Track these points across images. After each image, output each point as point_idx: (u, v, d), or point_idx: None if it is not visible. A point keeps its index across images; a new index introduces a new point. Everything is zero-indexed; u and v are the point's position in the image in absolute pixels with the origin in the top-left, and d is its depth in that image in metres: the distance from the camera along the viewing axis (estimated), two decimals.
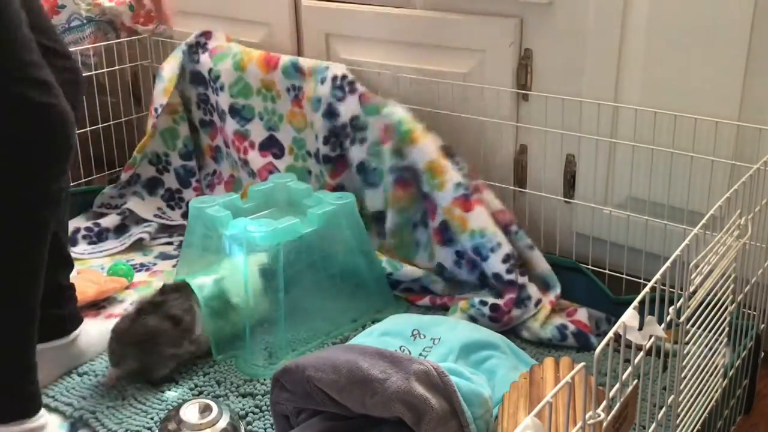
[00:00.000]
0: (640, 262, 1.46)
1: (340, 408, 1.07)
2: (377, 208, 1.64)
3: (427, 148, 1.55)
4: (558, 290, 1.52)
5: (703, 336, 1.01)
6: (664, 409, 0.95)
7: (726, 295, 1.05)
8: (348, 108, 1.64)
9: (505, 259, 1.47)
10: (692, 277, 0.90)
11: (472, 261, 1.51)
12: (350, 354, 1.08)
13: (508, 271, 1.46)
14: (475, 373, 1.19)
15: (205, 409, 1.20)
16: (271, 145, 1.81)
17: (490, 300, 1.46)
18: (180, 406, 1.20)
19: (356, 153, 1.64)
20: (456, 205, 1.50)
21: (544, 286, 1.52)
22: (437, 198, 1.53)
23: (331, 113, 1.66)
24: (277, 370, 1.12)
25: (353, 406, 1.06)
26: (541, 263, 1.53)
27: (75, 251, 1.79)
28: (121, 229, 1.88)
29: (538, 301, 1.48)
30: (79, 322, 1.38)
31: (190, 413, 1.19)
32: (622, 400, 0.79)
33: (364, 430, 1.08)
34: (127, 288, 1.65)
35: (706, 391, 1.07)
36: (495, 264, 1.47)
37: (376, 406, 1.03)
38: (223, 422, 1.19)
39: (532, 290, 1.49)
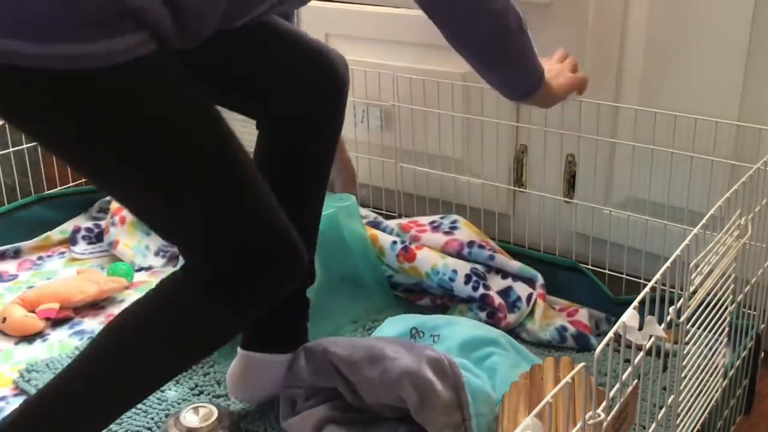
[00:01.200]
0: (640, 262, 1.46)
1: (347, 388, 1.08)
2: None
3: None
4: (541, 280, 1.52)
5: (703, 336, 1.01)
6: (664, 409, 0.95)
7: (726, 295, 1.04)
8: None
9: (467, 280, 1.48)
10: (692, 277, 0.90)
11: (447, 294, 1.53)
12: (369, 339, 1.13)
13: (475, 289, 1.47)
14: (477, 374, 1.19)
15: (205, 414, 1.19)
16: None
17: (487, 307, 1.47)
18: (180, 411, 1.20)
19: None
20: (402, 260, 1.53)
21: (527, 282, 1.52)
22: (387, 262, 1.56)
23: None
24: (297, 350, 1.17)
25: (361, 384, 1.07)
26: (509, 264, 1.54)
27: (75, 251, 1.79)
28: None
29: (529, 297, 1.48)
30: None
31: (190, 418, 1.19)
32: (622, 400, 0.79)
33: (366, 423, 1.08)
34: (126, 288, 1.65)
35: (706, 391, 1.07)
36: (461, 288, 1.48)
37: (383, 383, 1.04)
38: (224, 426, 1.19)
39: (519, 289, 1.50)
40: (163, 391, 1.32)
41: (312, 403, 1.14)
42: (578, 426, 0.72)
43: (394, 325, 1.35)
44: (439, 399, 1.02)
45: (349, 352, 1.09)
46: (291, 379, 1.15)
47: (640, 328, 0.78)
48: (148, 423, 1.25)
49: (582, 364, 0.71)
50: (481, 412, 1.07)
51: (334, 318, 1.49)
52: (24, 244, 1.80)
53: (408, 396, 1.03)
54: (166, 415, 1.26)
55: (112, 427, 1.24)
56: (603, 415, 0.74)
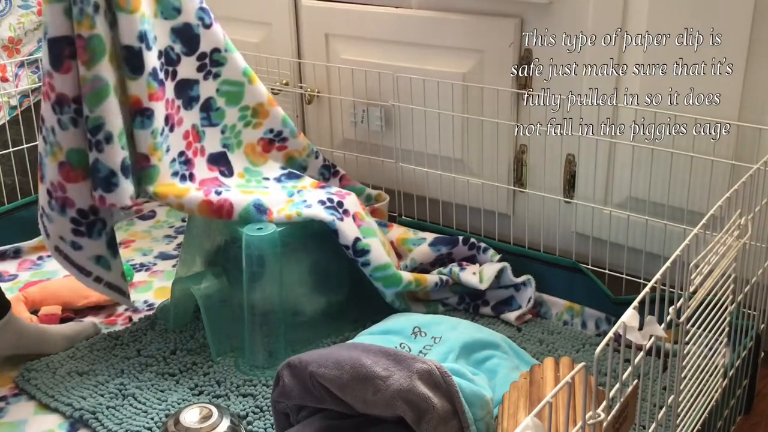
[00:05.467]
0: (640, 262, 1.46)
1: (340, 405, 1.07)
2: None
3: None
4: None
5: (703, 336, 1.01)
6: (664, 409, 0.95)
7: (726, 295, 1.05)
8: None
9: None
10: (692, 277, 0.90)
11: None
12: (353, 351, 1.08)
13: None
14: (476, 374, 1.19)
15: (205, 414, 1.19)
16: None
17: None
18: (180, 411, 1.20)
19: None
20: None
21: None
22: None
23: None
24: (281, 365, 1.12)
25: (354, 403, 1.06)
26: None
27: None
28: None
29: None
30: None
31: (190, 418, 1.18)
32: (622, 400, 0.79)
33: (363, 429, 1.08)
34: None
35: (706, 391, 1.07)
36: None
37: (377, 404, 1.03)
38: (224, 426, 1.19)
39: None
40: (163, 391, 1.32)
41: (306, 414, 1.13)
42: (578, 426, 0.72)
43: (397, 323, 1.35)
44: (436, 412, 1.02)
45: (337, 374, 1.05)
46: (280, 396, 1.14)
47: (640, 328, 0.78)
48: (148, 423, 1.25)
49: (582, 364, 0.71)
50: (478, 417, 1.07)
51: (333, 317, 1.49)
52: (24, 244, 1.80)
53: (404, 413, 1.02)
54: (166, 415, 1.26)
55: (113, 427, 1.24)
56: (603, 415, 0.74)
